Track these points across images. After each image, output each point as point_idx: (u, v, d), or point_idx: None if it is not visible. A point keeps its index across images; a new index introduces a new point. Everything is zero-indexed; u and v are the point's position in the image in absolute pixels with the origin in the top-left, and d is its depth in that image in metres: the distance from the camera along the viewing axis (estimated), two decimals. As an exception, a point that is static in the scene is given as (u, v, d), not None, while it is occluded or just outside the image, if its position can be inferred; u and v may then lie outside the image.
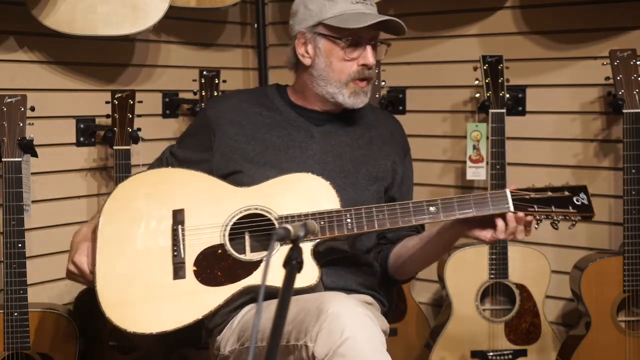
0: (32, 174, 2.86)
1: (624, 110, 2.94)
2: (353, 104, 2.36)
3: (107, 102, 3.11)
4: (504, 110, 3.15)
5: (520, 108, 3.37)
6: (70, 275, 2.30)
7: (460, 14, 3.48)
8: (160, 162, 2.53)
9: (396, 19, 2.33)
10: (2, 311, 2.65)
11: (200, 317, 2.14)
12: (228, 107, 2.43)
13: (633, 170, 2.92)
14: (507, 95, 3.17)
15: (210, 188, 2.28)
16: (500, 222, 2.14)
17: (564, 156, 3.31)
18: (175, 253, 2.20)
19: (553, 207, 2.15)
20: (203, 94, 3.35)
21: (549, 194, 2.16)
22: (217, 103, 2.47)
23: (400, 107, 3.62)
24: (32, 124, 2.77)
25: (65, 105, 3.16)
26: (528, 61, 3.35)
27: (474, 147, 3.31)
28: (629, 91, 2.95)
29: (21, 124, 2.70)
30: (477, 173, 3.31)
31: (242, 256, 2.20)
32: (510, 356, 3.16)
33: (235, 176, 2.32)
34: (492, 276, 3.15)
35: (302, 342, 1.98)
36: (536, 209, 2.15)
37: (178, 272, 2.19)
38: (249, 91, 2.58)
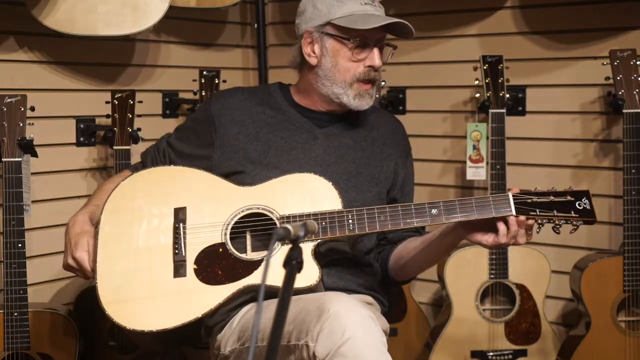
0: (32, 174, 2.86)
1: (624, 110, 2.94)
2: (358, 106, 2.36)
3: (107, 102, 3.11)
4: (504, 110, 3.15)
5: (520, 108, 3.37)
6: (68, 269, 2.28)
7: (460, 14, 3.48)
8: (157, 151, 2.52)
9: (405, 22, 2.32)
10: (2, 311, 2.65)
11: (200, 316, 2.14)
12: (231, 105, 2.42)
13: (633, 170, 2.92)
14: (507, 95, 3.17)
15: (212, 187, 2.28)
16: (502, 226, 2.14)
17: (564, 156, 3.31)
18: (177, 251, 2.20)
19: (555, 212, 2.15)
20: (203, 94, 3.36)
21: (552, 198, 2.16)
22: (221, 100, 2.45)
23: (400, 107, 3.62)
24: (32, 124, 2.77)
25: (65, 105, 3.16)
26: (528, 61, 3.35)
27: (474, 147, 3.31)
28: (629, 91, 2.95)
29: (21, 124, 2.70)
30: (477, 173, 3.31)
31: (242, 255, 2.20)
32: (510, 356, 3.16)
33: (236, 176, 2.32)
34: (492, 276, 3.15)
35: (303, 342, 1.98)
36: (538, 213, 2.14)
37: (179, 270, 2.19)
38: (251, 89, 2.56)
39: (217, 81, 3.37)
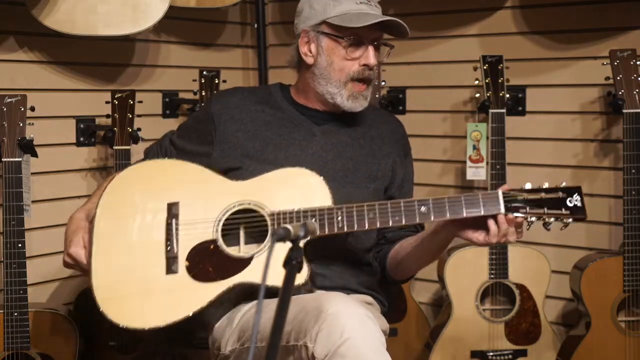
0: (32, 174, 2.86)
1: (624, 110, 2.94)
2: (351, 107, 2.36)
3: (107, 102, 3.11)
4: (504, 110, 3.15)
5: (520, 108, 3.37)
6: (67, 266, 2.30)
7: (460, 14, 3.48)
8: (159, 148, 2.54)
9: (399, 20, 2.33)
10: (2, 311, 2.65)
11: (191, 314, 2.15)
12: (231, 104, 2.43)
13: (633, 170, 2.92)
14: (507, 95, 3.17)
15: (204, 181, 2.28)
16: (492, 224, 2.13)
17: (564, 156, 3.31)
18: (169, 247, 2.21)
19: (545, 209, 2.14)
20: (203, 94, 3.36)
21: (542, 195, 2.15)
22: (221, 99, 2.47)
23: (400, 107, 3.62)
24: (32, 124, 2.77)
25: (65, 105, 3.16)
26: (528, 61, 3.35)
27: (474, 147, 3.31)
28: (629, 91, 2.95)
29: (21, 124, 2.70)
30: (477, 173, 3.31)
31: (233, 253, 2.20)
32: (510, 356, 3.16)
33: (234, 172, 2.33)
34: (492, 276, 3.15)
35: (302, 343, 1.98)
36: (528, 211, 2.13)
37: (171, 266, 2.19)
38: (252, 89, 2.58)
39: (217, 81, 3.37)
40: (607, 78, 3.03)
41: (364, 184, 2.38)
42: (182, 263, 2.20)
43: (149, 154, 2.57)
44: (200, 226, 2.22)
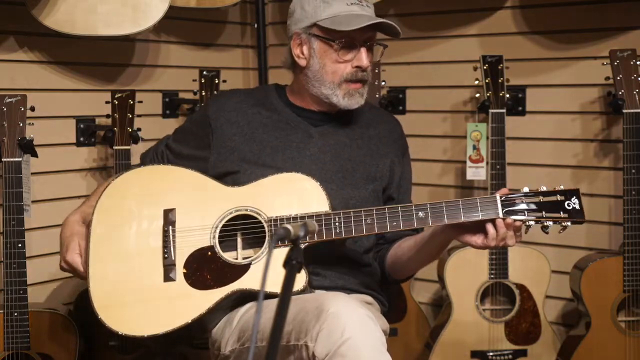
0: (32, 174, 2.86)
1: (624, 110, 2.94)
2: (347, 105, 2.35)
3: (107, 102, 3.11)
4: (504, 110, 3.15)
5: (520, 108, 3.37)
6: (64, 270, 2.32)
7: (460, 14, 3.48)
8: (155, 153, 2.54)
9: (389, 22, 2.32)
10: (2, 311, 2.65)
11: (190, 321, 2.15)
12: (228, 107, 2.43)
13: (633, 170, 2.92)
14: (507, 95, 3.17)
15: (201, 187, 2.28)
16: (490, 228, 2.13)
17: (564, 156, 3.31)
18: (166, 255, 2.21)
19: (544, 212, 2.13)
20: (203, 94, 3.35)
21: (541, 198, 2.14)
22: (217, 102, 2.46)
23: (400, 107, 3.62)
24: (32, 124, 2.77)
25: (65, 105, 3.16)
26: (528, 61, 3.35)
27: (474, 147, 3.31)
28: (629, 91, 2.95)
29: (21, 124, 2.70)
30: (477, 173, 3.31)
31: (230, 259, 2.20)
32: (510, 356, 3.16)
33: (233, 176, 2.32)
34: (492, 276, 3.15)
35: (303, 342, 1.98)
36: (526, 215, 2.13)
37: (168, 274, 2.19)
38: (249, 91, 2.58)
39: (217, 81, 3.37)
40: (607, 78, 3.03)
41: (362, 185, 2.37)
42: (179, 270, 2.20)
43: (145, 159, 2.57)
44: (197, 233, 2.22)
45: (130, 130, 3.08)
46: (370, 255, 2.42)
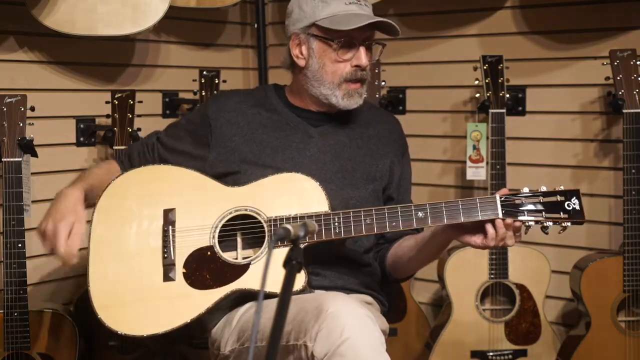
0: (32, 174, 2.86)
1: (624, 110, 2.94)
2: (346, 105, 2.35)
3: (107, 102, 3.11)
4: (504, 110, 3.15)
5: (520, 108, 3.37)
6: (41, 234, 2.22)
7: (460, 14, 3.48)
8: (144, 146, 2.50)
9: (388, 20, 2.32)
10: (2, 311, 2.65)
11: (189, 321, 2.15)
12: (227, 107, 2.43)
13: (633, 170, 2.92)
14: (507, 95, 3.17)
15: (201, 187, 2.28)
16: (490, 229, 2.13)
17: (564, 156, 3.31)
18: (165, 255, 2.21)
19: (544, 213, 2.13)
20: (203, 94, 3.36)
21: (541, 199, 2.13)
22: (217, 102, 2.46)
23: (400, 107, 3.62)
24: (32, 124, 2.77)
25: (65, 105, 3.16)
26: (528, 61, 3.35)
27: (474, 147, 3.31)
28: (629, 91, 2.95)
29: (21, 124, 2.70)
30: (477, 173, 3.31)
31: (230, 259, 2.20)
32: (510, 356, 3.16)
33: (232, 176, 2.32)
34: (492, 276, 3.15)
35: (302, 342, 1.98)
36: (526, 215, 2.13)
37: (168, 274, 2.20)
38: (248, 91, 2.57)
39: (217, 81, 3.37)
40: (607, 78, 3.03)
41: (362, 185, 2.37)
42: (179, 270, 2.20)
43: (132, 150, 2.53)
44: (196, 233, 2.22)
45: (130, 130, 3.08)
46: (370, 255, 2.41)
